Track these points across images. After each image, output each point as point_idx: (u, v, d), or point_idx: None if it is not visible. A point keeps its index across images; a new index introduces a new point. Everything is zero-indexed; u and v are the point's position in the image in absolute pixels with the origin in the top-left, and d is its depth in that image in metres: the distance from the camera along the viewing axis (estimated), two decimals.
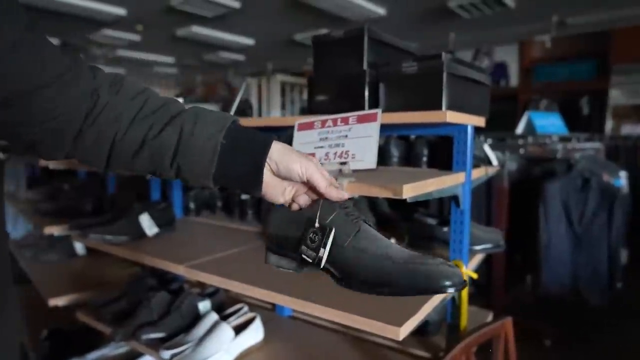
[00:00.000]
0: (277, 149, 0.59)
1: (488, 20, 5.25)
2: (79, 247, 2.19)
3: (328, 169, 0.76)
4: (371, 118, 0.76)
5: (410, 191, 0.77)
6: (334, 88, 1.21)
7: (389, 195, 0.76)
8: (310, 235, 0.59)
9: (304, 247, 0.59)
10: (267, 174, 0.58)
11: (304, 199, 0.63)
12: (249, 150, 0.57)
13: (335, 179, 0.76)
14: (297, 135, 0.84)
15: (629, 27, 5.07)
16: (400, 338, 0.78)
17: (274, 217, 0.65)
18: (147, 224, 1.45)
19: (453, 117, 0.96)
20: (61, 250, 2.16)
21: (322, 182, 0.60)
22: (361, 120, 0.77)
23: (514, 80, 6.14)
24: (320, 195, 0.62)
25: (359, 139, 0.75)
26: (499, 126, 2.88)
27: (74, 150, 0.57)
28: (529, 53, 6.01)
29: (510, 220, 2.63)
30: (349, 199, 0.64)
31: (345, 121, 0.79)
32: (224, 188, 0.60)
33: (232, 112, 1.48)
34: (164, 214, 1.53)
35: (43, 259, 2.12)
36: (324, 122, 0.81)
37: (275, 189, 0.60)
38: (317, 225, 0.60)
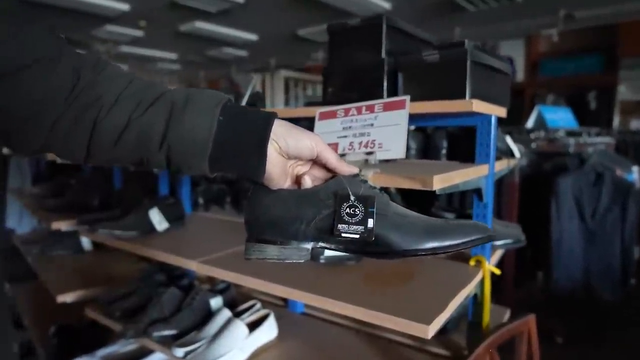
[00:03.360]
0: (280, 124, 0.53)
1: (494, 14, 5.19)
2: (86, 242, 2.16)
3: (353, 159, 0.73)
4: (399, 105, 0.72)
5: (439, 182, 0.74)
6: (350, 79, 1.17)
7: (417, 186, 0.73)
8: (347, 211, 0.54)
9: (342, 226, 0.54)
10: (272, 153, 0.52)
11: (308, 179, 0.57)
12: (250, 125, 0.51)
13: (360, 170, 0.73)
14: (318, 125, 0.80)
15: (637, 20, 5.01)
16: (429, 336, 0.74)
17: (266, 199, 0.57)
18: (157, 219, 1.42)
19: (479, 106, 0.93)
20: (68, 246, 2.14)
21: (333, 156, 0.56)
22: (388, 107, 0.73)
23: (520, 75, 6.09)
24: (330, 171, 0.58)
25: (386, 127, 0.72)
26: (506, 121, 2.82)
27: (51, 139, 0.50)
28: (535, 47, 5.95)
29: (521, 215, 2.60)
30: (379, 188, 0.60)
31: (371, 109, 0.75)
32: (218, 179, 0.53)
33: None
34: (174, 209, 1.50)
35: (50, 255, 2.10)
36: (347, 111, 0.78)
37: (280, 170, 0.54)
38: (352, 198, 0.54)
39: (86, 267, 1.96)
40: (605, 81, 5.28)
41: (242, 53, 7.67)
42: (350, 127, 0.76)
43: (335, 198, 0.55)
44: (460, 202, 2.33)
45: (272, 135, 0.51)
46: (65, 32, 6.05)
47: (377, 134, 0.72)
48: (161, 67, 9.20)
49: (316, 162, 0.57)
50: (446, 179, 0.77)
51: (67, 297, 1.63)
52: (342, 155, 0.72)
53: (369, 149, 0.72)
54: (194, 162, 0.50)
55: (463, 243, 0.54)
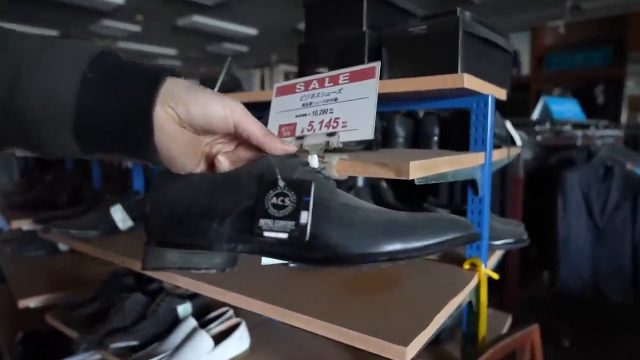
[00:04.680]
0: (179, 83, 0.39)
1: (499, 6, 5.04)
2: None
3: (312, 142, 0.59)
4: (367, 74, 0.58)
5: (418, 170, 0.59)
6: (328, 55, 1.03)
7: (391, 175, 0.59)
8: (274, 201, 0.40)
9: (265, 221, 0.39)
10: (168, 124, 0.38)
11: (224, 160, 0.43)
12: (130, 84, 0.37)
13: (322, 156, 0.59)
14: (275, 102, 0.67)
15: None
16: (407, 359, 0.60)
17: (168, 188, 0.43)
18: (120, 217, 1.29)
19: (471, 82, 0.78)
20: (42, 246, 2.00)
21: (257, 129, 0.42)
22: (355, 77, 0.59)
23: (525, 68, 5.91)
24: (256, 149, 0.44)
25: (351, 102, 0.58)
26: (511, 115, 2.69)
27: None
28: (541, 40, 5.77)
29: (525, 212, 2.45)
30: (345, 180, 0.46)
31: (334, 80, 0.61)
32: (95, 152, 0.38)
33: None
34: (140, 206, 1.37)
35: (22, 255, 1.96)
36: (308, 84, 0.64)
37: (185, 148, 0.40)
38: (281, 184, 0.40)
39: (58, 269, 1.82)
40: (613, 75, 5.10)
41: (243, 48, 7.53)
42: (310, 103, 0.62)
43: (258, 184, 0.40)
44: (462, 198, 2.18)
45: (164, 97, 0.37)
46: (63, 28, 5.96)
47: (340, 110, 0.58)
48: (161, 64, 9.11)
49: (241, 139, 0.43)
50: (427, 166, 0.63)
51: (30, 302, 1.50)
52: (301, 138, 0.58)
53: (331, 129, 0.58)
54: (53, 136, 0.36)
55: (436, 244, 0.39)
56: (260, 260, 0.54)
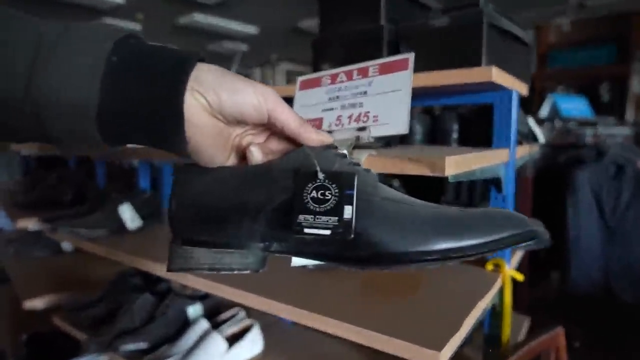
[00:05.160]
0: (210, 69, 0.35)
1: (503, 3, 5.00)
2: (65, 242, 2.00)
3: (340, 137, 0.56)
4: (400, 66, 0.55)
5: (453, 167, 0.56)
6: (344, 50, 1.00)
7: (425, 171, 0.56)
8: (314, 195, 0.36)
9: (305, 217, 0.36)
10: (197, 112, 0.34)
11: (256, 151, 0.40)
12: (158, 69, 0.33)
13: (350, 151, 0.56)
14: (299, 96, 0.64)
15: None
16: None
17: (195, 182, 0.39)
18: (129, 216, 1.26)
19: (499, 76, 0.75)
20: (46, 246, 1.97)
21: (292, 118, 0.38)
22: (386, 69, 0.56)
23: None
24: (289, 141, 0.40)
25: (383, 95, 0.55)
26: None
27: None
28: (545, 38, 5.73)
29: (534, 211, 2.42)
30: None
31: (363, 73, 0.58)
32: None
33: None
34: (149, 204, 1.34)
35: (26, 256, 1.93)
36: (334, 77, 0.61)
37: (215, 139, 0.37)
38: (320, 176, 0.37)
39: (63, 269, 1.79)
40: (617, 73, 5.05)
41: (244, 47, 7.50)
42: (337, 97, 0.59)
43: (295, 177, 0.37)
44: (469, 199, 2.15)
45: (193, 84, 0.34)
46: None
47: (371, 104, 0.55)
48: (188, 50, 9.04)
49: (274, 130, 0.40)
50: (461, 162, 0.60)
51: (36, 303, 1.47)
52: (328, 133, 0.55)
53: (361, 124, 0.55)
54: (75, 125, 0.33)
55: (492, 242, 0.36)
56: (279, 262, 0.50)
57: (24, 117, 0.33)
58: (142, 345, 1.10)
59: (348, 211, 0.35)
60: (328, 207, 0.36)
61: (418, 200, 0.40)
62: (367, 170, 0.40)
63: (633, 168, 2.31)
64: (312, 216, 0.36)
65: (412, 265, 0.36)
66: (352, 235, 0.35)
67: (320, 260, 0.39)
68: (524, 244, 0.37)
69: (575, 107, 2.87)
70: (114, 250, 1.13)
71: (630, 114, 5.07)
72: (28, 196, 1.69)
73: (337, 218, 0.35)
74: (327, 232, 0.35)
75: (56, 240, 1.92)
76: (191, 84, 0.34)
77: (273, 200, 0.37)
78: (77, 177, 1.95)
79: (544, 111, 2.80)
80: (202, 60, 0.36)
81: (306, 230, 0.35)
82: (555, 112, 2.74)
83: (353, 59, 0.99)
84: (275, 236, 0.37)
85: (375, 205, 0.37)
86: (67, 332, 1.33)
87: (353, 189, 0.36)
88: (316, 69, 1.06)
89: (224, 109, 0.36)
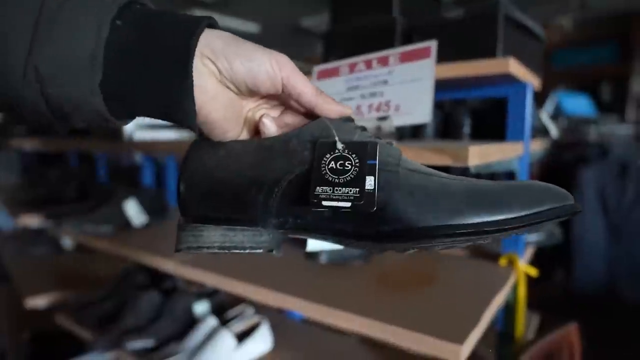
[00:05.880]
0: (221, 34, 0.33)
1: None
2: (67, 240, 1.98)
3: None
4: (421, 54, 0.54)
5: (476, 157, 0.55)
6: (355, 43, 0.99)
7: (448, 161, 0.55)
8: (332, 165, 0.34)
9: (323, 189, 0.33)
10: (208, 81, 0.32)
11: (269, 122, 0.37)
12: (165, 34, 0.31)
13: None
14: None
15: None
16: (462, 359, 0.56)
17: (207, 156, 0.37)
18: (134, 212, 1.24)
19: (516, 68, 0.74)
20: (47, 244, 1.95)
21: (308, 87, 0.36)
22: (407, 58, 0.55)
23: None
24: (304, 115, 0.38)
25: (404, 84, 0.53)
26: None
27: None
28: (547, 37, 5.74)
29: None
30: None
31: (383, 62, 0.57)
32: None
33: None
34: (154, 200, 1.32)
35: (27, 254, 1.92)
36: (353, 66, 0.60)
37: (227, 111, 0.35)
38: (339, 146, 0.35)
39: (65, 267, 1.78)
40: (619, 72, 5.06)
41: None
42: (357, 86, 0.58)
43: (313, 148, 0.35)
44: None
45: (202, 49, 0.32)
46: None
47: (392, 93, 0.54)
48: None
49: (288, 104, 0.38)
50: (483, 153, 0.59)
51: (38, 301, 1.46)
52: None
53: (382, 113, 0.54)
54: (77, 93, 0.31)
55: (530, 215, 0.32)
56: (290, 259, 0.49)
57: (28, 93, 0.31)
58: (149, 342, 1.09)
59: (370, 182, 0.33)
60: (348, 178, 0.33)
61: (446, 174, 0.37)
62: (390, 143, 0.38)
63: (637, 166, 2.30)
64: (331, 188, 0.33)
65: (441, 242, 0.33)
66: (375, 208, 0.33)
67: (338, 239, 0.37)
68: (564, 218, 0.34)
69: (579, 105, 2.86)
70: (120, 246, 1.11)
71: (631, 113, 5.08)
72: (29, 193, 1.68)
73: (357, 189, 0.33)
74: (347, 204, 0.33)
75: (58, 237, 1.91)
76: (200, 49, 0.32)
77: (289, 173, 0.35)
78: (79, 174, 1.93)
79: (548, 109, 2.79)
80: (213, 26, 0.35)
81: (324, 203, 0.33)
82: (558, 110, 2.73)
83: (364, 51, 0.98)
84: (292, 211, 0.35)
85: (400, 177, 0.34)
86: (70, 331, 1.31)
87: (375, 159, 0.34)
88: (327, 60, 1.05)
89: (236, 77, 0.34)
